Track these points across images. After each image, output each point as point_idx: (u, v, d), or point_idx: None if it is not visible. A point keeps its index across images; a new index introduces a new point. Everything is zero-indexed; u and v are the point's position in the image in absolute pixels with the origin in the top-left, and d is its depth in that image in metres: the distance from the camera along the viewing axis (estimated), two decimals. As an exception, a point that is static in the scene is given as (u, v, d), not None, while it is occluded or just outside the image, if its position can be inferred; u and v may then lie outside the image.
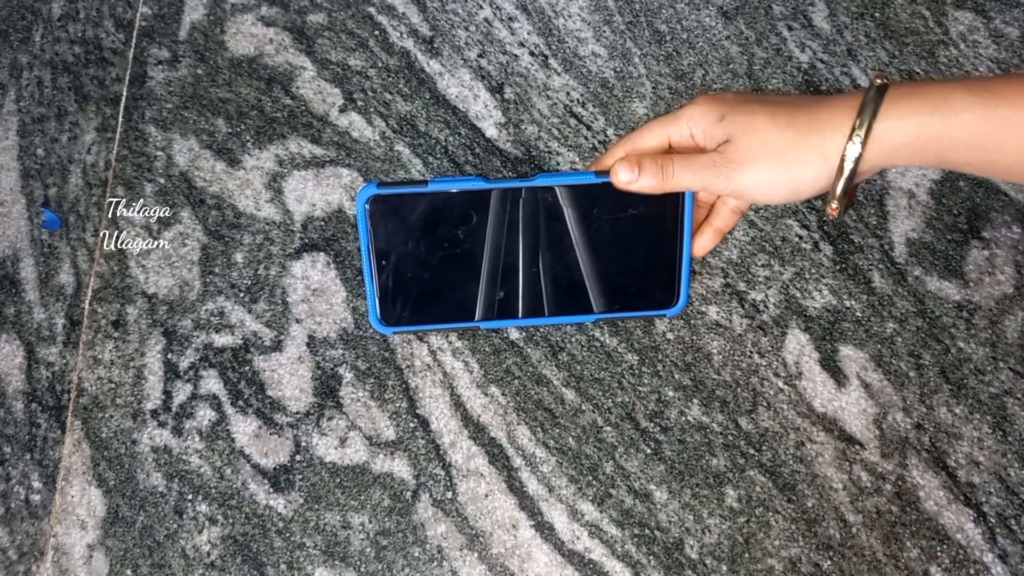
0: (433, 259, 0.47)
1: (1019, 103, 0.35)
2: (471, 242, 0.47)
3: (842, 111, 0.38)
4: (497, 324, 0.49)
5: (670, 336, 0.53)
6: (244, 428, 0.52)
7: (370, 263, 0.47)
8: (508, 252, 0.47)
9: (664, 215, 0.47)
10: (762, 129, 0.39)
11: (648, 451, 0.51)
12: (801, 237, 0.54)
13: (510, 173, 0.57)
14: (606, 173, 0.45)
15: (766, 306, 0.53)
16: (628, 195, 0.45)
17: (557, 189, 0.46)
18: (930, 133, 0.36)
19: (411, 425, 0.51)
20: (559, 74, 0.59)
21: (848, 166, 0.38)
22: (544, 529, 0.49)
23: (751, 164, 0.39)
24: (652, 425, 0.51)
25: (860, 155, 0.37)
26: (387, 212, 0.46)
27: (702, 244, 0.49)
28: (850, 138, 0.37)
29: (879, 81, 0.38)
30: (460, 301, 0.48)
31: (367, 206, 0.45)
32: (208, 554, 0.50)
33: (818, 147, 0.38)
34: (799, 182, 0.39)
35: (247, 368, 0.53)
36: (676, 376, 0.52)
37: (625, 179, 0.43)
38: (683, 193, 0.45)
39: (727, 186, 0.41)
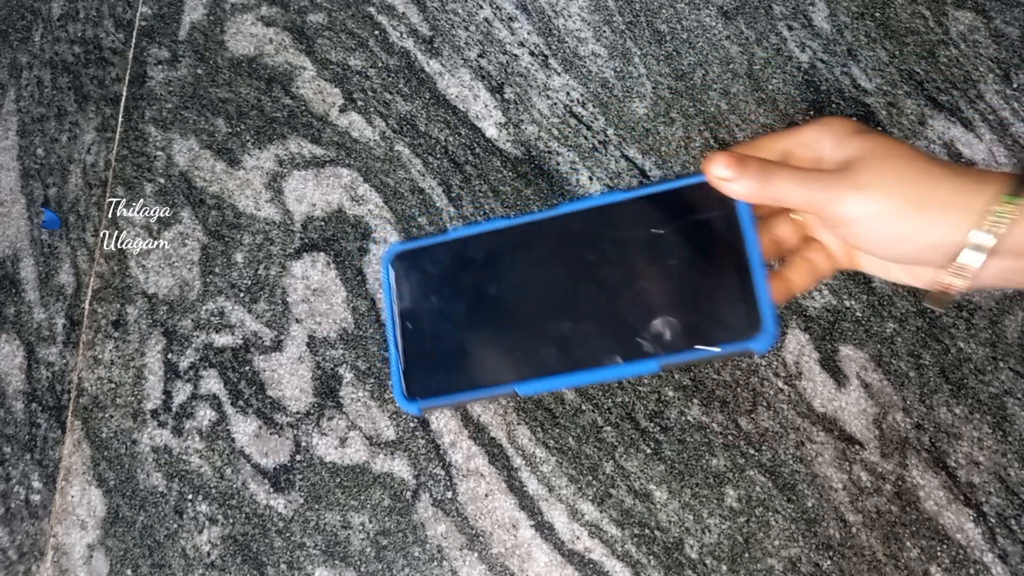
0: (463, 317, 0.40)
1: None
2: (501, 292, 0.39)
3: (994, 175, 0.31)
4: (540, 387, 0.37)
5: (670, 336, 0.53)
6: (244, 428, 0.52)
7: (395, 329, 0.41)
8: (543, 296, 0.38)
9: (716, 225, 0.37)
10: (900, 155, 0.32)
11: (648, 451, 0.51)
12: (801, 237, 0.54)
13: (511, 173, 0.57)
14: (636, 188, 0.38)
15: (766, 306, 0.53)
16: (673, 209, 0.37)
17: (588, 214, 0.38)
18: None
19: (411, 425, 0.51)
20: (559, 74, 0.59)
21: (1001, 228, 0.30)
22: (544, 529, 0.49)
23: (874, 190, 0.31)
24: (652, 425, 0.51)
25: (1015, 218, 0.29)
26: (412, 270, 0.41)
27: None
28: (1008, 194, 0.30)
29: None
30: (497, 362, 0.39)
31: (393, 266, 0.41)
32: (208, 554, 0.50)
33: (965, 196, 0.30)
34: (926, 232, 0.31)
35: (247, 368, 0.53)
36: (676, 376, 0.52)
37: (720, 174, 0.34)
38: (734, 203, 0.36)
39: (833, 208, 0.32)
